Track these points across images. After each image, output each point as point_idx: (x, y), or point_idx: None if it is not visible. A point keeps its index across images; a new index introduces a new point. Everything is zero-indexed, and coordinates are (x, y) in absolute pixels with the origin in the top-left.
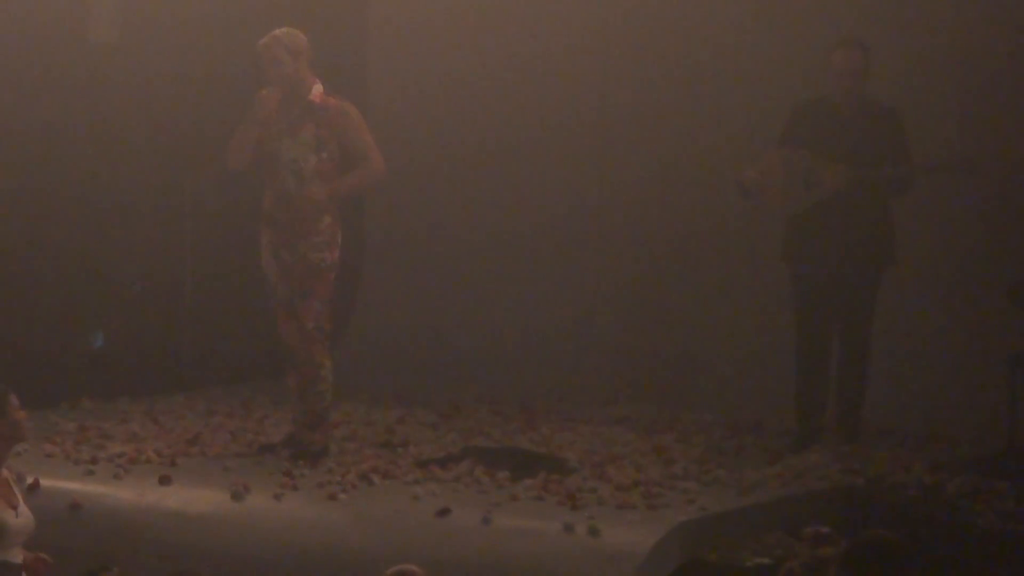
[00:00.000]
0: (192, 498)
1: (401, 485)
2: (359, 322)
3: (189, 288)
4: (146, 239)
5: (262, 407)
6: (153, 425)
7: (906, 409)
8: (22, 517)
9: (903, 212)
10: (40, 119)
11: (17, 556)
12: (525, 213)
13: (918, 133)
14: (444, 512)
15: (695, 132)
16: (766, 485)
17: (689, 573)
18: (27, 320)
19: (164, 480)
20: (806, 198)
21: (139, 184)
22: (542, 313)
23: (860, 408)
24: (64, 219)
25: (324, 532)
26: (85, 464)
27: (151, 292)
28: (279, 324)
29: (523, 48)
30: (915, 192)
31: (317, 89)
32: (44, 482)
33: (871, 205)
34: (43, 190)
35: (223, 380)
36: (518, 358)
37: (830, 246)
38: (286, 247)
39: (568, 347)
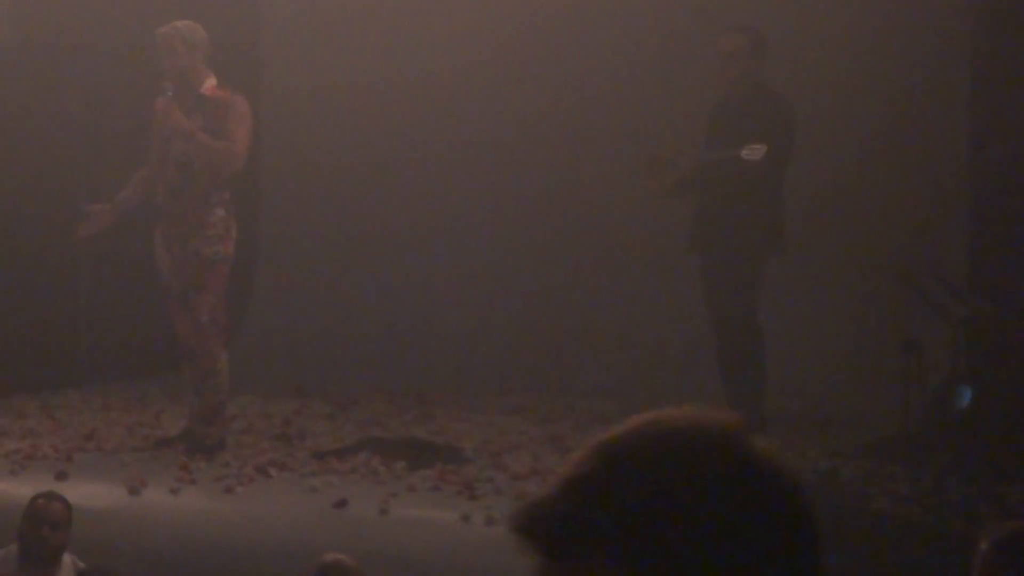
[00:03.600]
0: (89, 493)
1: (298, 477)
2: (254, 315)
3: (84, 282)
4: (39, 233)
5: (158, 401)
6: (49, 421)
7: (801, 395)
8: None
9: (796, 199)
10: None
11: None
12: (419, 205)
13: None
14: (341, 504)
15: (593, 116)
16: None
17: None
18: None
19: (61, 476)
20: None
21: (31, 176)
22: (437, 303)
23: (753, 397)
24: None
25: (221, 526)
26: None
27: (45, 287)
28: (173, 318)
29: (422, 37)
30: (806, 181)
31: (210, 82)
32: None
33: (742, 192)
34: None
35: (119, 375)
36: (413, 349)
37: (711, 233)
38: (178, 241)
39: (463, 337)
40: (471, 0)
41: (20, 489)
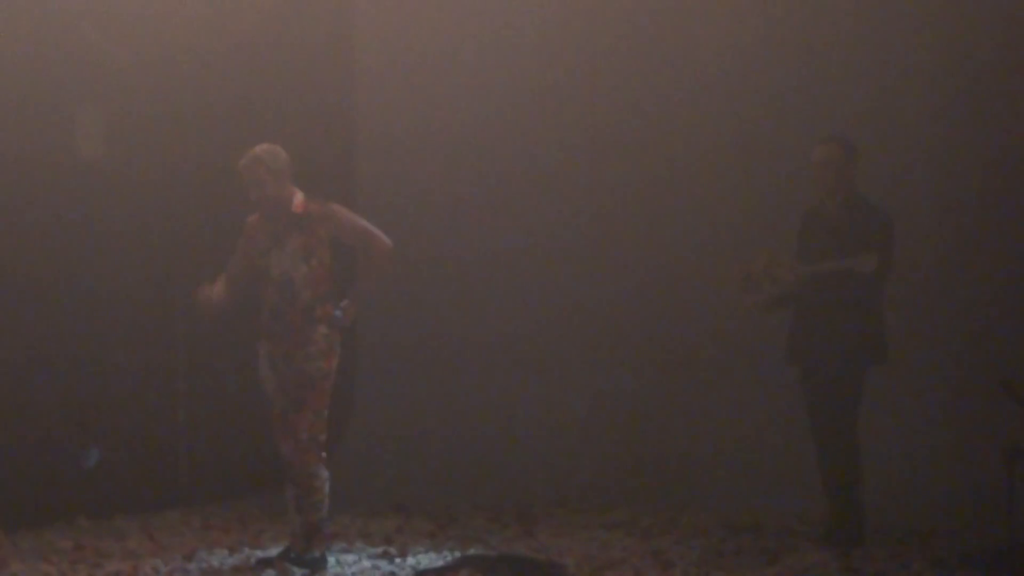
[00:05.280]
0: None
1: None
2: (354, 432)
3: (183, 404)
4: (140, 355)
5: (259, 521)
6: (149, 542)
7: (903, 504)
8: None
9: (895, 306)
10: (30, 230)
11: None
12: (518, 316)
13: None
14: None
15: (695, 230)
16: None
17: None
18: (21, 438)
19: None
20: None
21: (132, 299)
22: (538, 419)
23: (852, 510)
24: (56, 335)
25: None
26: None
27: (143, 407)
28: (276, 436)
29: (513, 146)
30: (904, 288)
31: (298, 199)
32: None
33: (850, 303)
34: (33, 304)
35: (219, 495)
36: (514, 465)
37: (814, 345)
38: (283, 358)
39: (564, 453)
40: (569, 69)
41: None
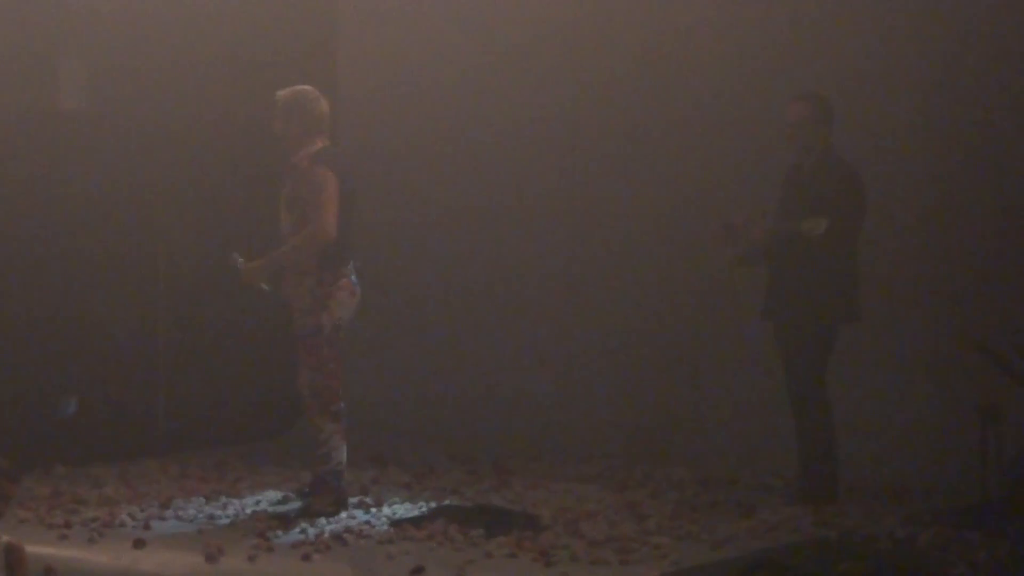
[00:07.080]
0: (166, 561)
1: (375, 545)
2: None
3: (162, 353)
4: (119, 304)
5: (236, 470)
6: (127, 489)
7: (878, 462)
8: None
9: (874, 266)
10: (9, 184)
11: None
12: (499, 273)
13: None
14: (418, 571)
15: (677, 184)
16: (739, 539)
17: None
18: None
19: (138, 544)
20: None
21: (112, 248)
22: (515, 373)
23: (824, 465)
24: (35, 284)
25: None
26: (59, 529)
27: (123, 356)
28: None
29: (504, 119)
30: (883, 247)
31: (307, 150)
32: None
33: (818, 261)
34: (12, 255)
35: (196, 445)
36: (491, 418)
37: (784, 302)
38: (291, 309)
39: (541, 406)
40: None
41: (98, 557)
